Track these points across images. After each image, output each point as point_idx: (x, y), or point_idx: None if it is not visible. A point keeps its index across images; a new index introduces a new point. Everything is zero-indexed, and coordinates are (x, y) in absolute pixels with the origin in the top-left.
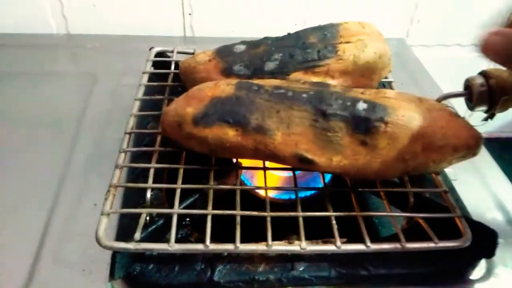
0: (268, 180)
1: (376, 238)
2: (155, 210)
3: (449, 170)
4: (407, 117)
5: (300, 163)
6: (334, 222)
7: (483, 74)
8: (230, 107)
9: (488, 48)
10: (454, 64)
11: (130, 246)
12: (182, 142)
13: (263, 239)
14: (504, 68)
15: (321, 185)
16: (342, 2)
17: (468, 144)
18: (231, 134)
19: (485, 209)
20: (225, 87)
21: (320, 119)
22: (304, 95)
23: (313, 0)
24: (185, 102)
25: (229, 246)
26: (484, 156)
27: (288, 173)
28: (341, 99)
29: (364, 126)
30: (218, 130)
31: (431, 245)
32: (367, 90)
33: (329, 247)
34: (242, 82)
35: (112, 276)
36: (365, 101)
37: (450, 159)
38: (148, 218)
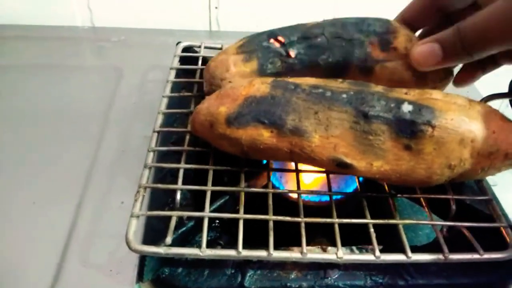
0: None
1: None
2: (186, 213)
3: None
4: (456, 121)
5: (338, 168)
6: (372, 230)
7: None
8: (265, 107)
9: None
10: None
11: (161, 250)
12: (213, 142)
13: (296, 243)
14: None
15: (355, 187)
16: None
17: None
18: (266, 135)
19: None
20: (260, 85)
21: (361, 121)
22: (344, 95)
23: None
24: (218, 101)
25: (262, 253)
26: None
27: (321, 174)
28: (384, 100)
29: (409, 130)
30: (252, 131)
31: (475, 256)
32: (411, 90)
33: (367, 257)
34: (277, 80)
35: (140, 278)
36: (410, 103)
37: (499, 166)
38: (177, 221)
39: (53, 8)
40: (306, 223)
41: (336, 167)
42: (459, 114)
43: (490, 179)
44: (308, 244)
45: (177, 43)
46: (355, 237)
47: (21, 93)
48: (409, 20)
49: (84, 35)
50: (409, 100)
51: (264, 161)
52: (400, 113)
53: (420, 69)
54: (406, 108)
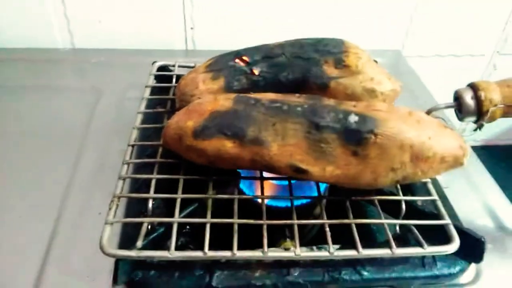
0: (266, 188)
1: (371, 244)
2: (156, 219)
3: (440, 178)
4: (396, 129)
5: (295, 173)
6: (327, 229)
7: (472, 86)
8: (228, 120)
9: None
10: (450, 74)
11: (133, 253)
12: (182, 153)
13: (260, 246)
14: (492, 81)
15: (316, 193)
16: (340, 16)
17: (455, 155)
18: (228, 146)
19: (476, 216)
20: (224, 101)
21: (314, 131)
22: (299, 109)
23: (312, 14)
24: (186, 116)
25: (226, 253)
26: (475, 164)
27: (285, 182)
28: (334, 112)
29: (355, 138)
30: (216, 142)
31: (420, 250)
32: (359, 103)
33: (322, 253)
34: (240, 96)
35: (115, 282)
36: (356, 114)
37: (437, 168)
38: (149, 226)
39: (35, 32)
40: (270, 225)
41: (293, 173)
42: (399, 123)
43: (442, 182)
44: (274, 246)
45: (153, 63)
46: (319, 239)
47: (6, 112)
48: None
49: (65, 57)
50: (356, 112)
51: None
52: (347, 123)
53: None
54: (353, 118)
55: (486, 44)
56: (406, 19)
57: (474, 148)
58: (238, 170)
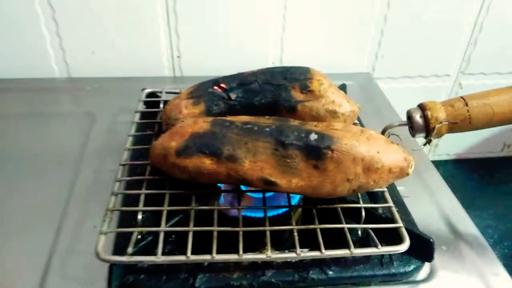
0: (244, 201)
1: (340, 247)
2: (145, 229)
3: (401, 188)
4: (349, 145)
5: (266, 185)
6: (295, 234)
7: (420, 106)
8: (206, 140)
9: None
10: (419, 93)
11: (124, 258)
12: (167, 170)
13: (238, 251)
14: (437, 101)
15: (286, 204)
16: (314, 43)
17: (401, 166)
18: (207, 163)
19: (432, 222)
20: (202, 124)
21: (280, 148)
22: (267, 129)
23: (286, 41)
24: (169, 137)
25: (206, 257)
26: (433, 175)
27: (260, 195)
28: (297, 131)
29: (315, 153)
30: (196, 160)
31: (375, 250)
32: (320, 123)
33: (290, 255)
34: (217, 119)
35: (109, 286)
36: (316, 133)
37: (387, 178)
38: (139, 236)
39: (33, 62)
40: (247, 234)
41: (264, 185)
42: (351, 140)
43: (403, 192)
44: (251, 252)
45: (142, 89)
46: (292, 245)
47: (6, 138)
48: None
49: (61, 85)
50: (316, 131)
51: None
52: (308, 141)
53: None
54: (313, 137)
55: (450, 65)
56: (375, 43)
57: (448, 161)
58: (217, 184)
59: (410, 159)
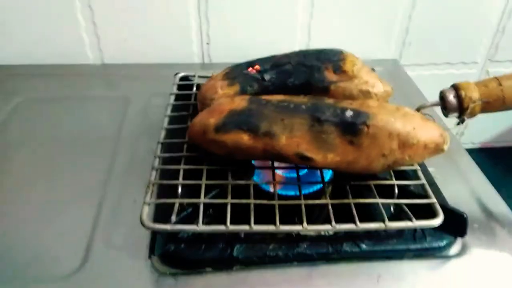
0: (277, 179)
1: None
2: (186, 200)
3: (431, 169)
4: (384, 121)
5: (301, 160)
6: (330, 207)
7: (454, 86)
8: (244, 117)
9: None
10: (445, 80)
11: (168, 227)
12: (205, 146)
13: (273, 224)
14: (471, 81)
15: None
16: (341, 30)
17: (436, 142)
18: (245, 138)
19: (463, 201)
20: (240, 101)
21: (316, 124)
22: (303, 106)
23: (315, 27)
24: (208, 114)
25: (245, 227)
26: (465, 159)
27: (294, 174)
28: (333, 108)
29: (351, 129)
30: (234, 136)
31: (409, 224)
32: (355, 101)
33: (325, 227)
34: (253, 97)
35: (152, 253)
36: (351, 110)
37: (422, 154)
38: (179, 208)
39: (69, 50)
40: (282, 209)
41: (299, 160)
42: (387, 116)
43: (434, 173)
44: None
45: (175, 74)
46: (324, 221)
47: (48, 120)
48: None
49: (96, 71)
50: (351, 108)
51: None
52: (344, 117)
53: None
54: (349, 113)
55: (478, 52)
56: (402, 30)
57: (472, 150)
58: (252, 162)
59: (446, 135)
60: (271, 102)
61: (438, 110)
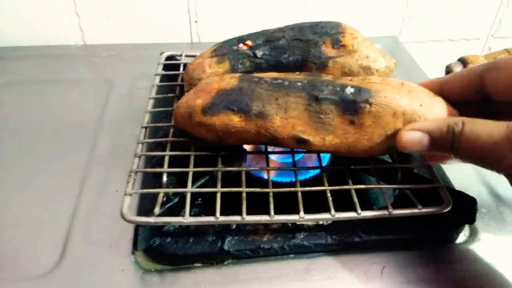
0: (271, 165)
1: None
2: (171, 190)
3: None
4: (388, 98)
5: (297, 144)
6: (329, 195)
7: (461, 60)
8: (234, 97)
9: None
10: (447, 58)
11: (151, 220)
12: (192, 130)
13: (267, 214)
14: (479, 54)
15: (317, 165)
16: (337, 3)
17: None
18: (235, 120)
19: (470, 184)
20: (230, 80)
21: (313, 104)
22: (299, 84)
23: (310, 3)
24: (194, 95)
25: (236, 218)
26: None
27: (289, 159)
28: (331, 85)
29: (351, 108)
30: (224, 117)
31: (415, 211)
32: (355, 77)
33: (324, 216)
34: (244, 75)
35: (135, 248)
36: (352, 86)
37: None
38: (164, 198)
39: (48, 30)
40: (276, 198)
41: (295, 144)
42: (391, 93)
43: None
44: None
45: (161, 53)
46: (320, 209)
47: (25, 105)
48: (446, 91)
49: (77, 52)
50: (352, 85)
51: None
52: (344, 95)
53: (401, 150)
54: (349, 90)
55: (480, 28)
56: (402, 5)
57: None
58: (243, 146)
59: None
60: (263, 79)
61: None
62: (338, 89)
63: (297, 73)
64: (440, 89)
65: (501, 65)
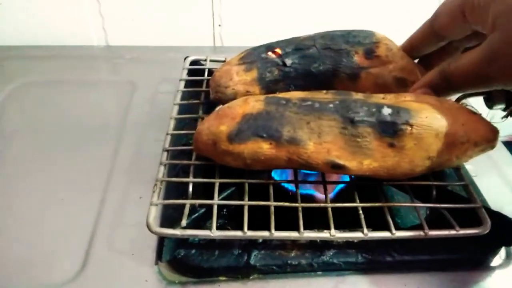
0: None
1: (396, 227)
2: (198, 201)
3: (469, 167)
4: (430, 118)
5: (333, 169)
6: (360, 212)
7: None
8: (262, 122)
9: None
10: None
11: (177, 232)
12: (217, 159)
13: (295, 229)
14: None
15: (347, 179)
16: (368, 10)
17: (487, 138)
18: (265, 147)
19: (505, 202)
20: (255, 103)
21: (349, 127)
22: (331, 105)
23: (333, 9)
24: (217, 121)
25: (264, 233)
26: (502, 153)
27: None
28: (366, 106)
29: (391, 130)
30: (253, 145)
31: (452, 232)
32: (387, 95)
33: (356, 234)
34: (269, 97)
35: (159, 259)
36: (388, 106)
37: (471, 153)
38: (190, 208)
39: (71, 30)
40: (305, 213)
41: (331, 169)
42: (432, 112)
43: (471, 171)
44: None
45: (185, 58)
46: (350, 224)
47: (47, 106)
48: (415, 45)
49: (100, 53)
50: (388, 104)
51: None
52: (382, 116)
53: None
54: (386, 111)
55: None
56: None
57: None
58: None
59: (497, 129)
60: (291, 101)
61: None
62: (374, 109)
63: (324, 91)
64: (411, 50)
65: (441, 7)
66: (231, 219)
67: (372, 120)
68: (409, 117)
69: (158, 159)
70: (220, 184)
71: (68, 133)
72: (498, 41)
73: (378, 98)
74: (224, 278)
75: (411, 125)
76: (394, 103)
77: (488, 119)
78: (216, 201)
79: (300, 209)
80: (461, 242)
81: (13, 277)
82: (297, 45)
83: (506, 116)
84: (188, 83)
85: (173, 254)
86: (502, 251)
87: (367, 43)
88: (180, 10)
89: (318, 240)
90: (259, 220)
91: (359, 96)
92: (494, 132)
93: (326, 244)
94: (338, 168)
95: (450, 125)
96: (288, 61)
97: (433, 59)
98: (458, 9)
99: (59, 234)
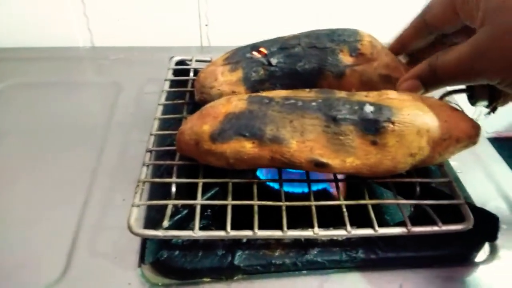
0: (284, 175)
1: (384, 225)
2: (180, 202)
3: (454, 163)
4: (412, 115)
5: (316, 167)
6: (344, 209)
7: None
8: (245, 121)
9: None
10: None
11: (159, 233)
12: (199, 158)
13: (279, 228)
14: None
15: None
16: (352, 9)
17: (469, 134)
18: (248, 146)
19: (489, 198)
20: (238, 102)
21: (332, 125)
22: (314, 103)
23: (318, 9)
24: (200, 120)
25: (248, 232)
26: (488, 150)
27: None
28: (348, 103)
29: (373, 127)
30: (235, 144)
31: (435, 228)
32: (370, 92)
33: (340, 232)
34: (252, 96)
35: (142, 261)
36: (371, 104)
37: (453, 149)
38: (173, 209)
39: (56, 31)
40: (289, 211)
41: (314, 167)
42: (414, 109)
43: (456, 167)
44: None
45: (171, 58)
46: (334, 222)
47: (31, 108)
48: (406, 39)
49: (85, 54)
50: (370, 102)
51: None
52: (364, 114)
53: None
54: (368, 109)
55: None
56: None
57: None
58: None
59: (479, 125)
60: (274, 100)
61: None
62: (356, 107)
63: (307, 90)
64: (401, 46)
65: (433, 1)
66: (215, 219)
67: (355, 118)
68: (391, 114)
69: (142, 160)
70: (204, 184)
71: (53, 134)
72: (486, 36)
73: (361, 96)
74: (208, 280)
75: (393, 123)
76: (377, 101)
77: (475, 116)
78: (199, 201)
79: (283, 207)
80: (446, 238)
81: None
82: (282, 44)
83: (489, 113)
84: (173, 83)
85: (156, 256)
86: (486, 247)
87: (352, 41)
88: (167, 10)
89: (303, 239)
90: (243, 220)
91: (342, 94)
92: (476, 128)
93: (310, 243)
94: (321, 166)
95: (431, 122)
96: (274, 61)
97: (423, 56)
98: (449, 2)
99: (41, 237)
